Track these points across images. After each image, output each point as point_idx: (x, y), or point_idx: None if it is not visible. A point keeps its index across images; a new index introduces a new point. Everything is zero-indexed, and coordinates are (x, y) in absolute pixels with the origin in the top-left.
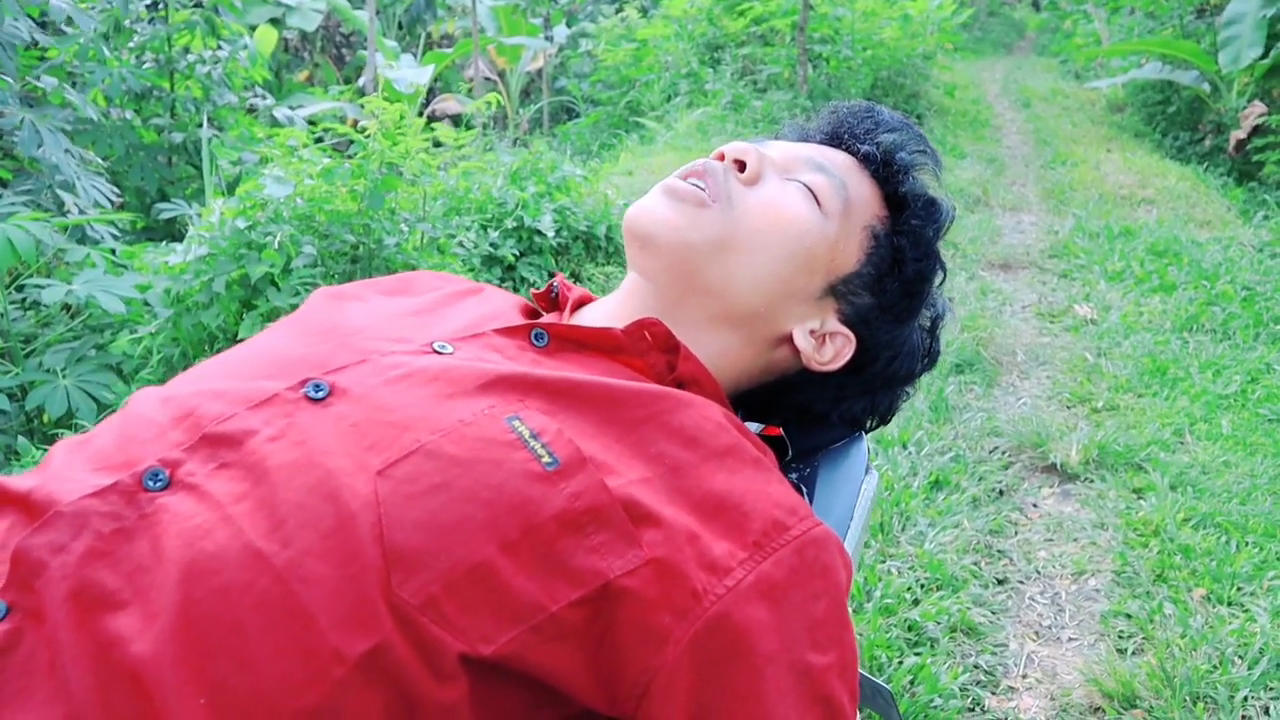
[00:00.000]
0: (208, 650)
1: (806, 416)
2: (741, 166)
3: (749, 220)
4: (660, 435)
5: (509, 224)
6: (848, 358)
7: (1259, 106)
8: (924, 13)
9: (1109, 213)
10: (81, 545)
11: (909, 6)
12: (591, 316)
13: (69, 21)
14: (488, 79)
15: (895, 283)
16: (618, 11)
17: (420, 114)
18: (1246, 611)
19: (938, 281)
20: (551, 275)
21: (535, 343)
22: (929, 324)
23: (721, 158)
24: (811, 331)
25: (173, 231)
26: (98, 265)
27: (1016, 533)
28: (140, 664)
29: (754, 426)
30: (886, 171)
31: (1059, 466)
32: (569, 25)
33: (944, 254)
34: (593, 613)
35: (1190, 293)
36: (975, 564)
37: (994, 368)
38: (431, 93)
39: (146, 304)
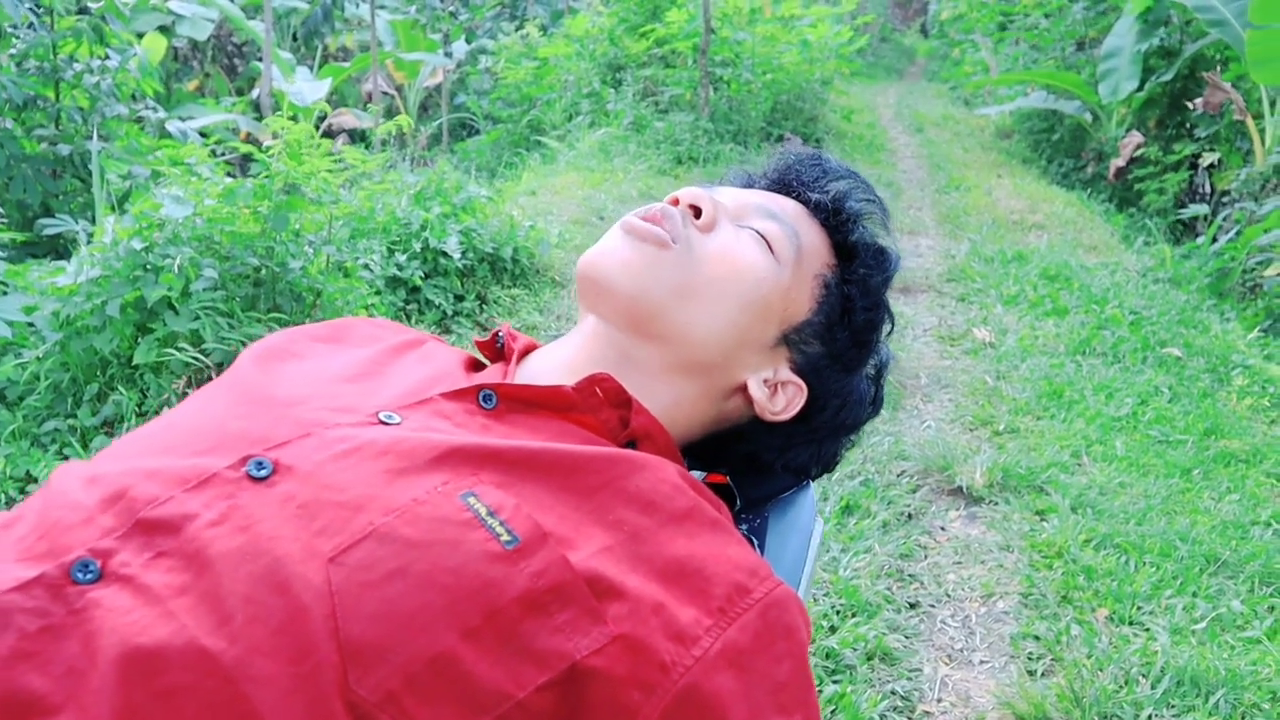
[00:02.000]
0: None
1: (753, 466)
2: (697, 213)
3: (706, 267)
4: (618, 502)
5: (415, 246)
6: (799, 407)
7: (1136, 136)
8: (822, 39)
9: (1002, 237)
10: (4, 646)
11: (808, 33)
12: (540, 366)
13: None
14: (385, 94)
15: (845, 331)
16: (518, 29)
17: (316, 128)
18: (1148, 631)
19: (885, 331)
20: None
21: (483, 404)
22: (874, 372)
23: (676, 202)
24: (765, 381)
25: (57, 247)
26: None
27: (926, 556)
28: None
29: (698, 474)
30: (836, 220)
31: (965, 489)
32: (468, 41)
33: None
34: (560, 695)
35: (1082, 317)
36: (888, 589)
37: (899, 391)
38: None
39: (32, 326)
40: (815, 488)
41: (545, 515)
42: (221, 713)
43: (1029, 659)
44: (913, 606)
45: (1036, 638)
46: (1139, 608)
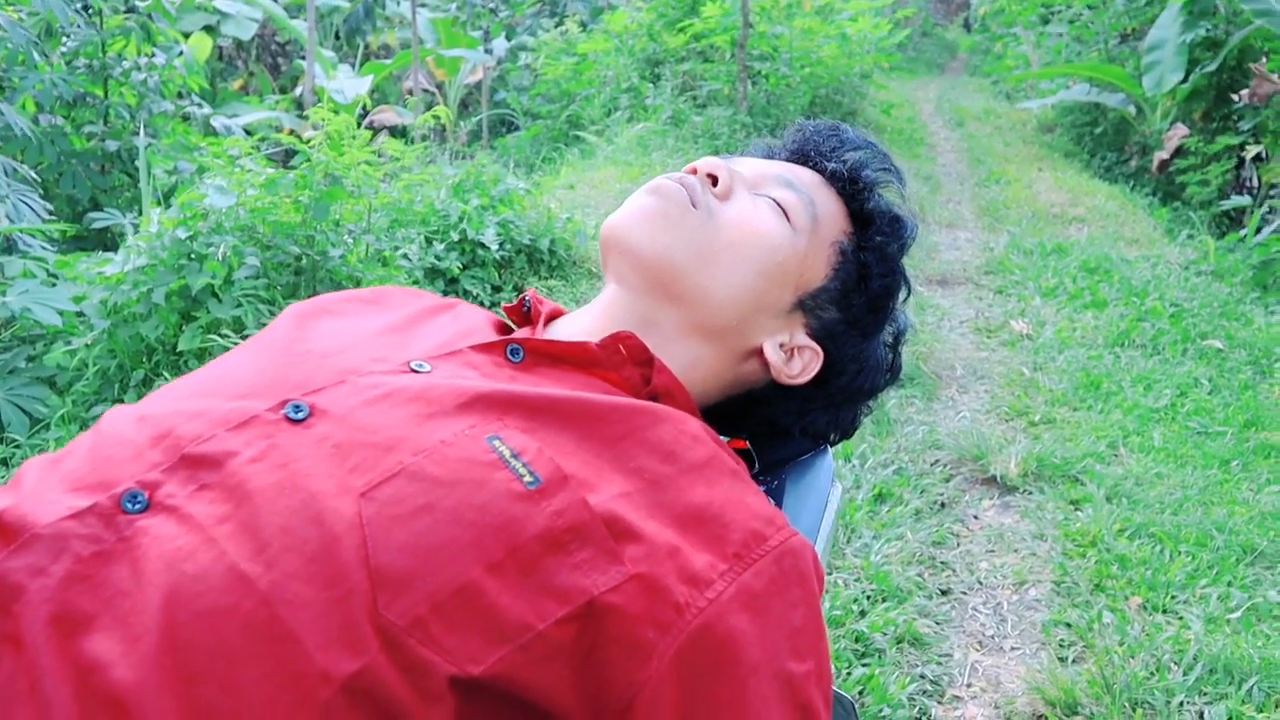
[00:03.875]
0: (192, 675)
1: (772, 430)
2: (714, 181)
3: (724, 233)
4: (639, 450)
5: (453, 237)
6: (815, 371)
7: (1181, 129)
8: (861, 33)
9: (1042, 230)
10: (61, 569)
11: (847, 26)
12: (565, 330)
13: None
14: (426, 91)
15: (861, 297)
16: (558, 25)
17: (358, 125)
18: (1181, 619)
19: (902, 297)
20: (520, 290)
21: (511, 358)
22: (892, 339)
23: (694, 172)
24: (781, 345)
25: (105, 241)
26: (36, 276)
27: (959, 544)
28: (123, 689)
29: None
30: (852, 189)
31: (999, 479)
32: (508, 38)
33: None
34: (579, 630)
35: (1121, 309)
36: (919, 575)
37: (934, 382)
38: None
39: (81, 315)
40: (848, 475)
41: (567, 460)
42: (258, 632)
43: (1060, 646)
44: (944, 593)
45: (1068, 625)
46: (1173, 596)
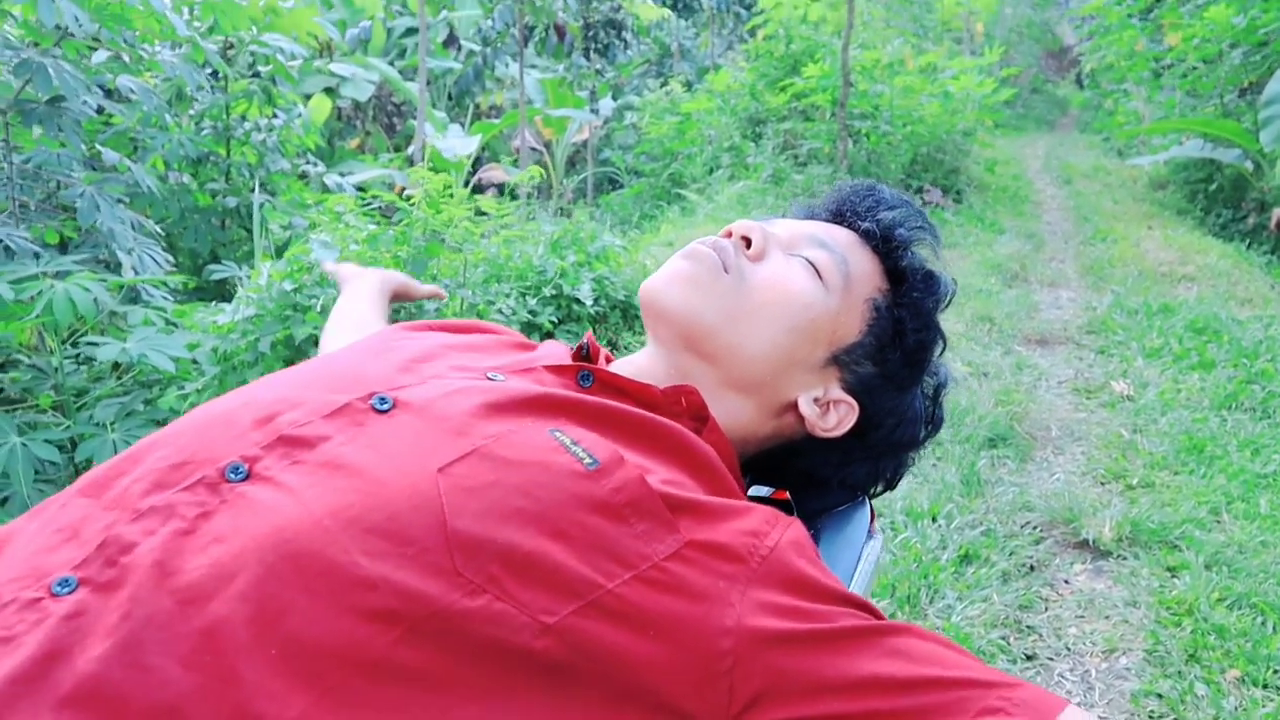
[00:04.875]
0: (280, 608)
1: (811, 481)
2: (748, 243)
3: (756, 294)
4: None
5: (548, 292)
6: (851, 424)
7: None
8: (964, 90)
9: (1148, 289)
10: (169, 529)
11: (949, 84)
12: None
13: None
14: (534, 149)
15: (897, 352)
16: (663, 85)
17: (466, 183)
18: None
19: (938, 351)
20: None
21: (581, 383)
22: (932, 392)
23: (729, 235)
24: (815, 399)
25: (223, 292)
26: (154, 324)
27: (1046, 608)
28: (216, 620)
29: (764, 490)
30: (886, 246)
31: (1091, 543)
32: (615, 98)
33: (981, 329)
34: (645, 591)
35: (1229, 370)
36: (1004, 639)
37: (1028, 442)
38: (480, 161)
39: (195, 362)
40: (933, 535)
41: (624, 450)
42: (339, 576)
43: (1150, 717)
44: (1029, 658)
45: (1159, 695)
46: (1274, 671)
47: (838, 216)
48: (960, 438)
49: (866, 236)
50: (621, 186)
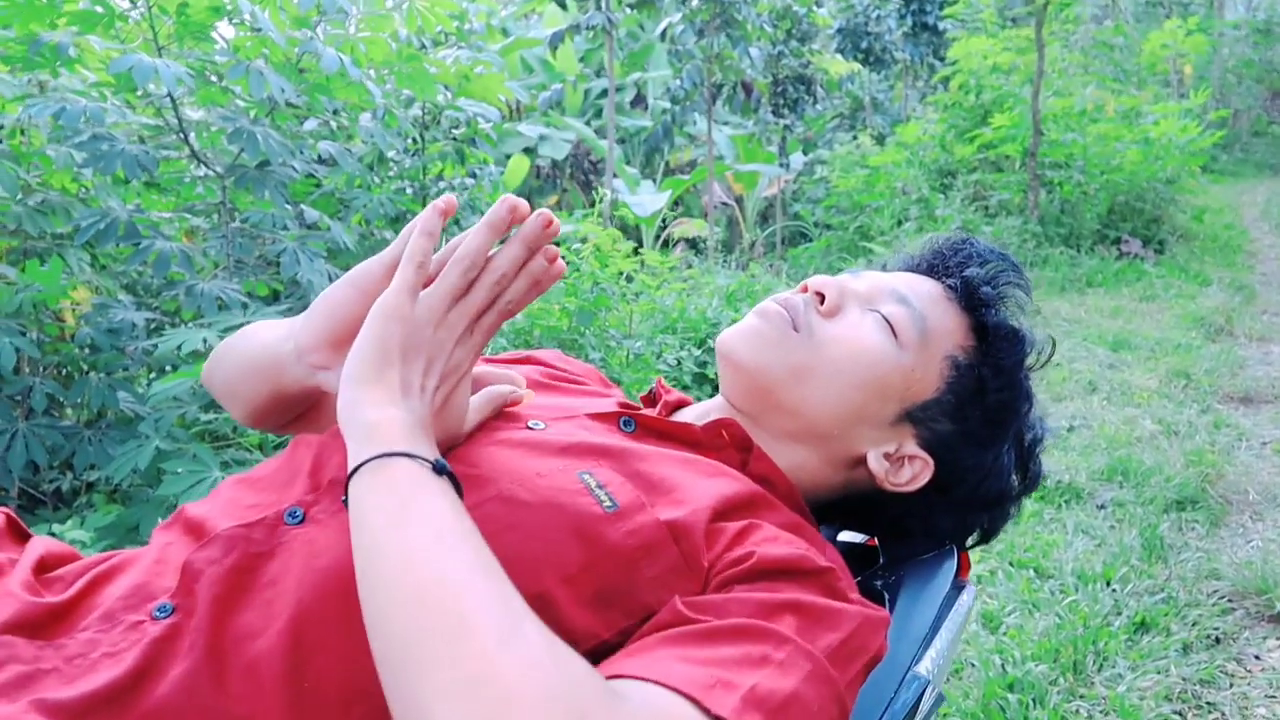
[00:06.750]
0: (314, 644)
1: (896, 530)
2: (822, 299)
3: (825, 350)
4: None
5: None
6: (925, 480)
7: None
8: (1166, 135)
9: None
10: (229, 561)
11: (1150, 130)
12: (681, 417)
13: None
14: (724, 204)
15: (977, 410)
16: (853, 139)
17: (658, 237)
18: None
19: (1024, 410)
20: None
21: (623, 428)
22: (1026, 446)
23: (805, 290)
24: (886, 455)
25: None
26: None
27: (1231, 684)
28: (258, 656)
29: (857, 537)
30: (971, 303)
31: None
32: (806, 152)
33: (1175, 385)
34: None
35: None
36: (1179, 713)
37: (1221, 506)
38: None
39: None
40: (1105, 599)
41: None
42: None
43: None
44: None
45: None
46: None
47: (930, 269)
48: (1143, 499)
49: (953, 291)
50: (811, 240)
